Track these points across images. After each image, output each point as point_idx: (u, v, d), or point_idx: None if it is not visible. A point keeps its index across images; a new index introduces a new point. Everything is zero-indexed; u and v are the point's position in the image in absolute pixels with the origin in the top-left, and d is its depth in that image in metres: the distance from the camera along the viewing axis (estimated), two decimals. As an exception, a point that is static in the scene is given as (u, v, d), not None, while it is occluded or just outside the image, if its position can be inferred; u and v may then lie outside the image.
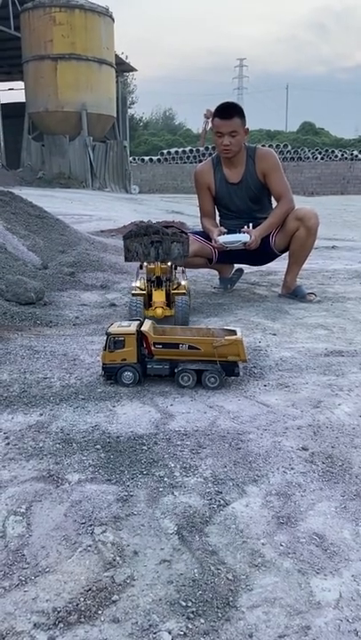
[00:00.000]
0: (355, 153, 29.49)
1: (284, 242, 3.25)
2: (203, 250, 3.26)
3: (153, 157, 30.72)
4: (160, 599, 0.91)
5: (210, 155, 24.67)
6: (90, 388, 1.80)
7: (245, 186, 3.25)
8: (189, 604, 0.90)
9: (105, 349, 1.82)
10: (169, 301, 2.50)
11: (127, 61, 26.05)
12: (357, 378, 1.92)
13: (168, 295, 2.52)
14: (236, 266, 3.70)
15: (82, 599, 0.91)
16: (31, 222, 4.53)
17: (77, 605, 0.89)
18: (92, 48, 20.81)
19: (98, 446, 1.40)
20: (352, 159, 28.81)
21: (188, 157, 29.70)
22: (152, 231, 2.51)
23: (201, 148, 29.13)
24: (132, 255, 2.55)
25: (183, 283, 2.64)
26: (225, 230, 3.13)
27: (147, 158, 30.68)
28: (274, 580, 0.96)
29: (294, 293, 3.30)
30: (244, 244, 3.01)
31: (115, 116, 23.21)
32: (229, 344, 1.80)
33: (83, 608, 0.89)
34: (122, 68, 25.62)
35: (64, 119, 21.02)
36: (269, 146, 25.70)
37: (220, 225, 3.32)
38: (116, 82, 23.68)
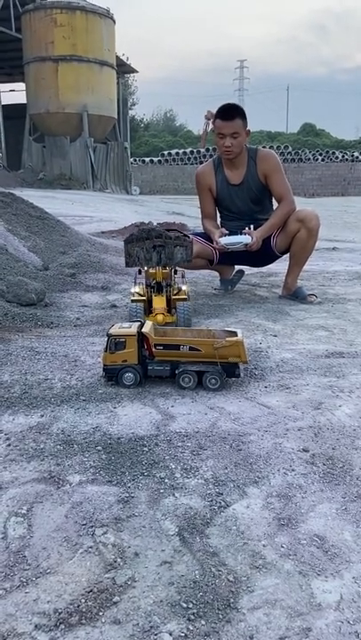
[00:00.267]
0: (355, 154, 29.49)
1: (285, 243, 3.25)
2: (204, 251, 3.27)
3: (154, 159, 30.74)
4: (161, 601, 0.91)
5: (210, 156, 24.69)
6: (91, 389, 1.80)
7: (247, 187, 3.25)
8: (190, 605, 0.90)
9: (106, 351, 1.82)
10: (170, 307, 2.41)
11: (128, 63, 26.08)
12: (358, 379, 1.92)
13: (169, 301, 2.43)
14: (237, 267, 3.70)
15: (83, 600, 0.91)
16: (32, 223, 4.53)
17: (78, 607, 0.89)
18: (93, 49, 20.84)
19: (99, 447, 1.40)
20: (353, 160, 28.81)
21: (188, 159, 29.71)
22: (154, 235, 2.44)
23: (202, 150, 29.13)
24: (132, 260, 2.46)
25: (184, 288, 2.55)
26: (226, 232, 3.13)
27: (147, 159, 30.71)
28: (275, 582, 0.96)
29: (295, 295, 3.30)
30: (246, 245, 3.02)
31: (115, 117, 23.23)
32: (230, 345, 1.80)
33: (84, 609, 0.89)
34: (123, 69, 25.64)
35: (65, 120, 21.05)
36: (270, 147, 25.71)
37: (222, 226, 3.32)
38: (117, 83, 23.71)
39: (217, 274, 3.71)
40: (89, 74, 20.98)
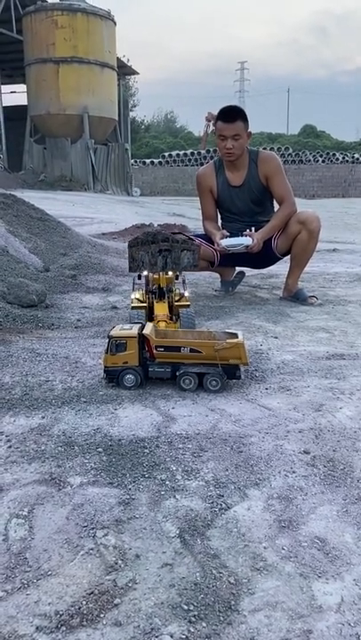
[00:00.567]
0: (356, 156, 29.50)
1: (286, 245, 3.25)
2: (205, 253, 3.27)
3: (154, 160, 30.77)
4: (162, 603, 0.91)
5: (211, 158, 24.66)
6: (92, 390, 1.80)
7: (248, 189, 3.26)
8: (191, 607, 0.90)
9: (107, 352, 1.82)
10: (172, 314, 2.27)
11: (129, 64, 26.11)
12: (359, 381, 1.92)
13: (171, 307, 2.29)
14: (238, 268, 3.70)
15: (84, 602, 0.91)
16: (33, 225, 4.54)
17: (79, 609, 0.90)
18: (93, 51, 20.87)
19: (100, 449, 1.40)
20: (353, 162, 28.82)
21: (189, 160, 29.74)
22: (161, 238, 2.31)
23: (202, 151, 29.13)
24: (136, 265, 2.33)
25: (186, 294, 2.42)
26: (227, 233, 3.13)
27: (148, 161, 30.73)
28: (276, 584, 0.96)
29: (296, 296, 3.30)
30: (247, 247, 3.02)
31: (116, 118, 23.26)
32: (231, 347, 1.80)
33: (85, 611, 0.89)
34: (123, 71, 25.68)
35: (66, 122, 21.07)
36: (271, 149, 25.75)
37: (222, 228, 3.32)
38: (118, 85, 23.75)
39: (218, 275, 3.71)
40: (90, 75, 21.01)
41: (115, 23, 21.98)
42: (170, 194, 27.06)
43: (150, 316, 2.24)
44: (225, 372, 1.82)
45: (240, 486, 1.25)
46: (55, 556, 1.02)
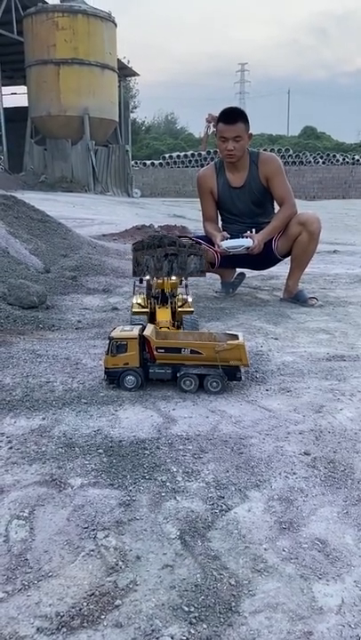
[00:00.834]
0: (356, 157, 29.53)
1: (287, 246, 3.26)
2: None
3: (155, 161, 30.80)
4: (163, 604, 0.91)
5: (212, 159, 24.68)
6: (92, 392, 1.80)
7: (248, 190, 3.26)
8: (192, 609, 0.90)
9: (107, 353, 1.83)
10: (174, 320, 2.19)
11: (129, 66, 26.16)
12: (359, 382, 1.92)
13: (173, 313, 2.21)
14: (238, 270, 3.70)
15: (85, 604, 0.91)
16: (34, 226, 4.54)
17: (80, 610, 0.90)
18: (94, 53, 20.91)
19: (100, 450, 1.40)
20: (353, 163, 28.85)
21: (189, 161, 29.77)
22: (167, 242, 2.22)
23: (203, 153, 29.16)
24: (141, 270, 2.23)
25: (190, 299, 2.34)
26: (227, 235, 3.13)
27: (149, 162, 30.76)
28: (276, 586, 0.96)
29: (296, 298, 3.30)
30: (247, 248, 3.02)
31: (117, 120, 23.29)
32: (231, 348, 1.80)
33: (86, 613, 0.89)
34: (124, 72, 25.72)
35: (66, 123, 21.10)
36: (271, 150, 25.78)
37: (223, 229, 3.33)
38: (119, 86, 23.78)
39: (218, 277, 3.72)
40: (90, 77, 21.04)
41: (115, 25, 22.01)
42: (170, 195, 27.07)
43: (152, 321, 2.17)
44: (225, 374, 1.82)
45: (241, 488, 1.25)
46: (56, 558, 1.02)
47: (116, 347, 1.81)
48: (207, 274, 3.76)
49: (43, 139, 22.08)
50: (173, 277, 2.26)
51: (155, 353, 1.81)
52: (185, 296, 2.35)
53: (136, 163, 29.42)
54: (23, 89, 23.48)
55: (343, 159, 29.53)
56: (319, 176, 28.10)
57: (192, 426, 1.56)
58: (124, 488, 1.24)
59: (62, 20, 20.26)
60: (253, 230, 3.12)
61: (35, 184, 20.10)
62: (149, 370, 1.84)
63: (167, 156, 30.95)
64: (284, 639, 0.85)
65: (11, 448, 1.42)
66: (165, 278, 2.24)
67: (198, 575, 0.98)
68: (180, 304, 2.28)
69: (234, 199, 3.31)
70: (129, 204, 16.45)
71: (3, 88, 22.28)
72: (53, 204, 10.93)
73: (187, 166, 29.47)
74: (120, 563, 1.00)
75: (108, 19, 21.36)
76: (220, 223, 3.47)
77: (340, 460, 1.38)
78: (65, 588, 0.94)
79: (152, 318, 2.18)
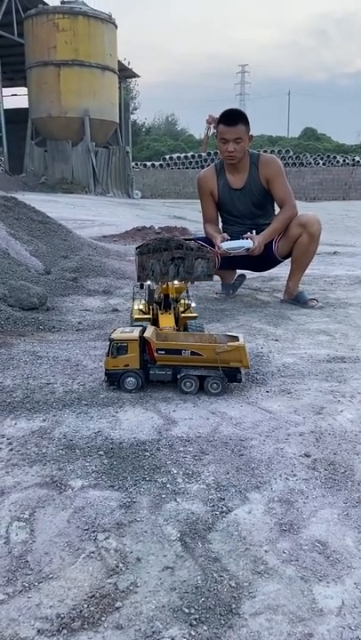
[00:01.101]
0: (356, 159, 29.56)
1: (287, 248, 3.26)
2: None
3: (155, 163, 30.83)
4: (163, 606, 0.91)
5: (212, 160, 24.71)
6: (93, 393, 1.80)
7: (248, 192, 3.26)
8: (192, 610, 0.90)
9: (108, 355, 1.83)
10: (178, 326, 2.13)
11: (129, 67, 26.19)
12: (359, 384, 1.92)
13: (176, 319, 2.15)
14: (239, 271, 3.71)
15: (85, 606, 0.91)
16: (34, 227, 4.55)
17: (81, 612, 0.90)
18: (95, 54, 20.96)
19: (101, 452, 1.41)
20: (354, 165, 28.88)
21: (190, 163, 29.81)
22: (174, 245, 2.13)
23: (203, 154, 29.20)
24: (146, 274, 2.13)
25: (193, 304, 2.29)
26: (228, 237, 3.14)
27: (149, 164, 30.79)
28: (276, 588, 0.96)
29: (296, 299, 3.30)
30: (247, 250, 3.02)
31: (117, 121, 23.34)
32: (232, 350, 1.80)
33: (86, 614, 0.89)
34: (124, 73, 25.76)
35: (67, 125, 21.14)
36: (271, 151, 25.81)
37: (223, 231, 3.33)
38: (119, 88, 23.83)
39: (218, 278, 3.72)
40: (91, 78, 21.09)
41: (116, 26, 22.07)
42: (171, 196, 27.10)
43: None
44: (226, 375, 1.82)
45: (241, 489, 1.25)
46: (56, 559, 1.02)
47: (117, 348, 1.81)
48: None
49: (43, 140, 22.12)
50: (176, 282, 2.19)
51: (155, 354, 1.82)
52: (188, 301, 2.29)
53: (136, 164, 29.46)
54: (24, 90, 23.54)
55: (343, 160, 29.56)
56: (319, 177, 28.12)
57: (192, 427, 1.56)
58: (125, 490, 1.24)
59: (63, 22, 20.31)
60: (254, 232, 3.12)
61: (35, 185, 20.14)
62: (150, 371, 1.84)
63: (167, 157, 30.99)
64: (284, 641, 0.85)
65: (11, 450, 1.42)
66: (169, 283, 2.17)
67: (199, 577, 0.98)
68: (182, 309, 2.23)
69: (234, 201, 3.32)
70: (129, 206, 16.47)
71: (3, 89, 22.33)
72: (54, 206, 10.95)
73: (187, 168, 29.50)
74: (120, 564, 1.00)
75: (108, 20, 21.41)
76: (220, 224, 3.47)
77: (340, 462, 1.38)
78: (65, 589, 0.94)
79: (155, 325, 2.10)
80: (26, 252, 3.84)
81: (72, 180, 21.51)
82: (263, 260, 3.28)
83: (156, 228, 8.16)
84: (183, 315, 2.20)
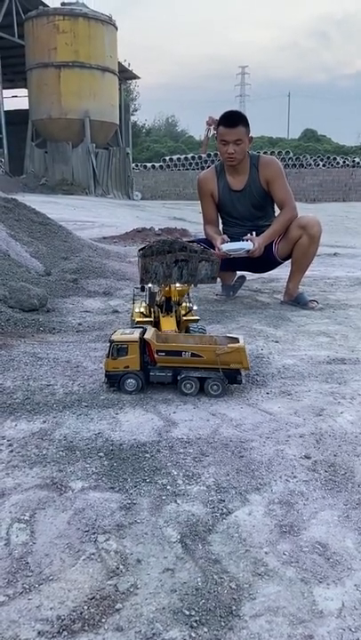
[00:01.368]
0: (356, 160, 29.60)
1: (287, 249, 3.26)
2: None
3: (155, 164, 30.87)
4: (163, 608, 0.91)
5: (212, 162, 24.70)
6: (93, 395, 1.80)
7: (249, 193, 3.27)
8: (193, 612, 0.90)
9: (108, 356, 1.83)
10: (179, 329, 2.12)
11: (130, 69, 26.23)
12: (360, 385, 1.92)
13: (178, 322, 2.13)
14: (239, 273, 3.71)
15: (85, 607, 0.91)
16: (34, 229, 4.55)
17: (81, 614, 0.90)
18: (95, 56, 20.99)
19: (101, 454, 1.41)
20: (354, 166, 28.91)
21: (190, 164, 29.84)
22: (178, 247, 2.10)
23: (203, 155, 29.25)
24: (149, 277, 2.10)
25: (195, 307, 2.27)
26: (228, 239, 3.14)
27: (149, 165, 30.83)
28: (277, 589, 0.96)
29: (296, 301, 3.30)
30: (247, 251, 3.03)
31: (117, 123, 23.36)
32: (232, 351, 1.80)
33: (86, 616, 0.89)
34: (124, 75, 25.80)
35: (67, 126, 21.16)
36: (271, 153, 25.83)
37: (224, 232, 3.33)
38: (119, 89, 23.85)
39: (218, 280, 3.72)
40: (91, 80, 21.12)
41: (116, 28, 22.10)
42: (171, 198, 27.12)
43: None
44: (226, 377, 1.82)
45: (241, 491, 1.25)
46: (57, 561, 1.02)
47: (117, 350, 1.81)
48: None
49: (43, 141, 22.15)
50: (178, 285, 2.17)
51: (155, 356, 1.82)
52: (189, 304, 2.27)
53: (137, 165, 29.50)
54: (24, 92, 23.57)
55: (343, 162, 29.60)
56: (319, 179, 28.14)
57: (193, 429, 1.56)
58: (125, 491, 1.24)
59: (63, 24, 20.34)
60: (254, 233, 3.12)
61: (35, 187, 20.16)
62: (150, 373, 1.84)
63: (168, 158, 31.03)
64: (284, 643, 0.85)
65: (12, 451, 1.42)
66: (172, 285, 2.14)
67: (199, 579, 0.98)
68: (184, 312, 2.21)
69: (234, 202, 3.32)
70: (129, 207, 16.48)
71: (4, 91, 22.36)
72: (54, 207, 10.96)
73: (187, 169, 29.53)
74: (121, 566, 1.00)
75: (108, 22, 21.45)
76: (220, 226, 3.47)
77: (340, 464, 1.38)
78: (66, 591, 0.95)
79: (156, 328, 2.07)
80: (26, 253, 3.84)
81: (72, 181, 21.53)
82: (263, 261, 3.29)
83: (157, 229, 8.17)
84: (185, 318, 2.19)
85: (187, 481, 1.29)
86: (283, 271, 3.68)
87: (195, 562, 1.02)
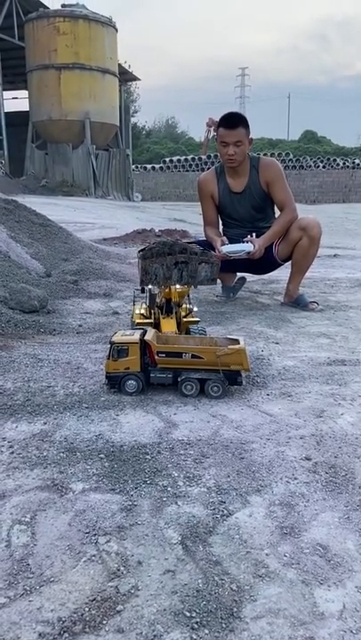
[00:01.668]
0: (356, 161, 29.59)
1: (287, 251, 3.26)
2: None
3: (155, 165, 30.89)
4: (164, 609, 0.91)
5: (212, 163, 24.72)
6: (93, 396, 1.80)
7: (249, 195, 3.27)
8: (194, 614, 0.90)
9: (108, 358, 1.83)
10: (180, 331, 2.12)
11: (130, 70, 26.27)
12: (360, 387, 1.92)
13: (178, 324, 2.13)
14: (239, 274, 3.71)
15: (86, 609, 0.91)
16: (35, 230, 4.55)
17: (82, 615, 0.90)
18: (95, 58, 21.02)
19: (101, 455, 1.41)
20: (354, 167, 28.90)
21: (190, 166, 29.85)
22: (178, 249, 2.11)
23: (203, 157, 29.27)
24: (149, 278, 2.10)
25: (195, 309, 2.27)
26: (227, 241, 3.14)
27: (149, 166, 30.85)
28: (278, 591, 0.96)
29: (297, 302, 3.30)
30: (248, 253, 3.03)
31: (118, 124, 23.39)
32: (232, 353, 1.80)
33: (87, 618, 0.89)
34: (125, 77, 25.83)
35: (67, 128, 21.18)
36: (271, 154, 25.85)
37: (224, 234, 3.33)
38: (119, 91, 23.88)
39: (219, 281, 3.72)
40: (91, 81, 21.14)
41: (116, 30, 22.13)
42: (171, 199, 27.13)
43: None
44: (226, 378, 1.82)
45: (242, 493, 1.25)
46: (57, 563, 1.02)
47: (117, 351, 1.81)
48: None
49: (44, 143, 22.17)
50: (178, 286, 2.17)
51: (156, 357, 1.82)
52: (190, 305, 2.27)
53: (137, 167, 29.51)
54: (24, 93, 23.60)
55: (343, 163, 29.59)
56: (319, 180, 28.16)
57: (193, 430, 1.56)
58: (126, 493, 1.24)
59: (63, 25, 20.37)
60: (254, 235, 3.13)
61: (36, 188, 20.17)
62: (150, 374, 1.84)
63: (168, 160, 31.04)
64: (285, 645, 0.85)
65: (12, 453, 1.43)
66: (172, 287, 2.15)
67: (200, 580, 0.98)
68: (184, 314, 2.21)
69: (234, 204, 3.32)
70: (130, 208, 16.49)
71: (4, 92, 22.38)
72: (54, 209, 10.96)
73: (187, 170, 29.54)
74: (122, 568, 1.00)
75: (108, 24, 21.48)
76: (220, 228, 3.47)
77: (341, 465, 1.38)
78: (67, 593, 0.94)
79: (156, 329, 2.06)
80: (26, 254, 3.84)
81: (72, 182, 21.55)
82: (263, 263, 3.29)
83: (157, 230, 8.17)
84: (185, 319, 2.19)
85: (187, 482, 1.29)
86: (283, 272, 3.68)
87: (195, 563, 1.02)
